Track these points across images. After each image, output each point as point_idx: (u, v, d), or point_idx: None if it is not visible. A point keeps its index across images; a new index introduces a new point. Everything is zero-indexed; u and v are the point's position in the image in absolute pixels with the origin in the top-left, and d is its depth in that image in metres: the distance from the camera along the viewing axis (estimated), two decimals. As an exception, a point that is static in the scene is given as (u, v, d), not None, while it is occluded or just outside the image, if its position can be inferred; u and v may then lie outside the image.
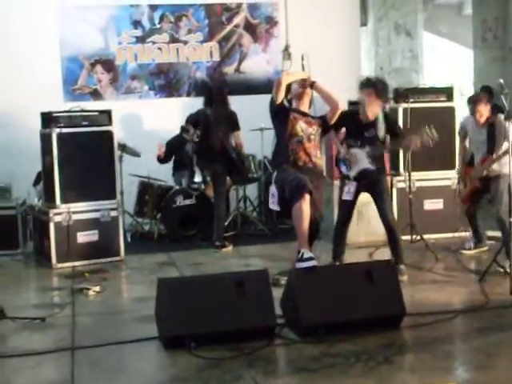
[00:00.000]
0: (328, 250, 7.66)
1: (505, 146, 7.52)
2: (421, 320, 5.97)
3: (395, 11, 15.49)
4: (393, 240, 7.55)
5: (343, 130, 7.57)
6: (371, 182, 7.46)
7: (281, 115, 7.12)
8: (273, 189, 7.09)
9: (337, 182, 8.16)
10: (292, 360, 5.35)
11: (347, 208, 7.61)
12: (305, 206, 6.70)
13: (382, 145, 7.51)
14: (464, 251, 8.41)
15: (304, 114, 7.18)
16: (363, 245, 8.79)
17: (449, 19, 17.67)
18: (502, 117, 7.62)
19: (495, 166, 7.85)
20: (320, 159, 7.25)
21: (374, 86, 7.38)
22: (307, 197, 6.73)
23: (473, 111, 8.04)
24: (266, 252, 9.04)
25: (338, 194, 7.70)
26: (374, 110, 7.41)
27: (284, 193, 6.92)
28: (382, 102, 7.46)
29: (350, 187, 7.44)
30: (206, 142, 9.43)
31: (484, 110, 7.95)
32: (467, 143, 8.42)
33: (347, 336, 5.55)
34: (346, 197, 7.51)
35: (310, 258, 6.40)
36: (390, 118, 7.66)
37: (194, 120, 9.73)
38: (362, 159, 7.39)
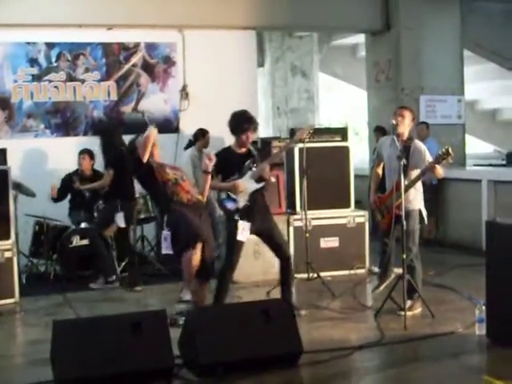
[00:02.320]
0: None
1: (415, 172, 7.40)
2: (318, 357, 6.03)
3: (292, 53, 15.84)
4: (286, 269, 7.42)
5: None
6: (260, 223, 7.31)
7: (149, 171, 7.28)
8: (165, 233, 7.13)
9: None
10: (190, 400, 5.34)
11: (240, 249, 7.36)
12: (195, 257, 6.98)
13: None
14: (376, 291, 8.13)
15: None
16: (260, 283, 8.83)
17: (344, 61, 18.08)
18: (419, 142, 7.61)
19: (405, 203, 7.24)
20: (198, 194, 7.34)
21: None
22: (199, 246, 7.01)
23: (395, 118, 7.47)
24: (164, 292, 8.98)
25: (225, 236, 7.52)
26: (240, 145, 7.34)
27: (177, 235, 7.03)
28: (236, 136, 7.32)
29: (245, 227, 7.31)
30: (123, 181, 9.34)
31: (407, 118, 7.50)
32: (380, 170, 7.96)
33: (245, 374, 5.58)
34: (242, 238, 7.27)
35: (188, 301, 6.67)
36: (256, 149, 7.66)
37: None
38: (247, 184, 7.28)
